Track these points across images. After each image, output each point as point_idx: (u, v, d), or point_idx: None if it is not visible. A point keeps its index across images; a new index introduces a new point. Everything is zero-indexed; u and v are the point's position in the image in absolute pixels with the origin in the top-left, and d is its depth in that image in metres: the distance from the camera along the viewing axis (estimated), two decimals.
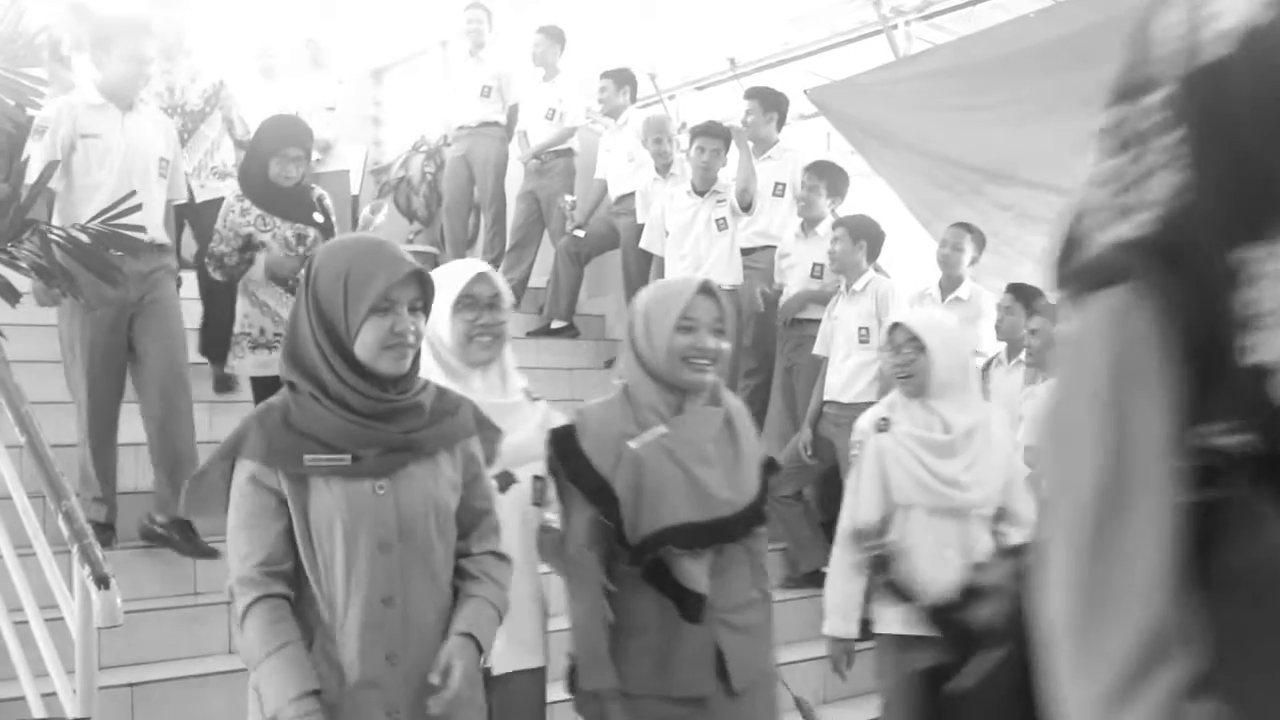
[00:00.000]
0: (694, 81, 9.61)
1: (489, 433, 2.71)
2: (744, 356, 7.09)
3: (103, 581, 3.44)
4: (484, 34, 8.89)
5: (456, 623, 2.52)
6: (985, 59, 6.70)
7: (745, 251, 7.14)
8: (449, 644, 2.48)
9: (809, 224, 6.92)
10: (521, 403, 3.17)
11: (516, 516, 3.04)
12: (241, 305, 5.35)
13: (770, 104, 7.45)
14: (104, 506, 5.02)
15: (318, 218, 5.40)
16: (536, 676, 3.17)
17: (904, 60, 7.55)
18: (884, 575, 3.55)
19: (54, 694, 3.68)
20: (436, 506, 2.53)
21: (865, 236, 6.27)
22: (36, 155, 4.67)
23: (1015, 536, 3.89)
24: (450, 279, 3.07)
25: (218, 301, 5.89)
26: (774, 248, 7.17)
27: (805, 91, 7.65)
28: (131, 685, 4.33)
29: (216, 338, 6.17)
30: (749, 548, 3.13)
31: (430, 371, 2.81)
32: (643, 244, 7.54)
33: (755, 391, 7.00)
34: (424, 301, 2.55)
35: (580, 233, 8.47)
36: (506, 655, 3.00)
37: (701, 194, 7.01)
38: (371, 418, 2.48)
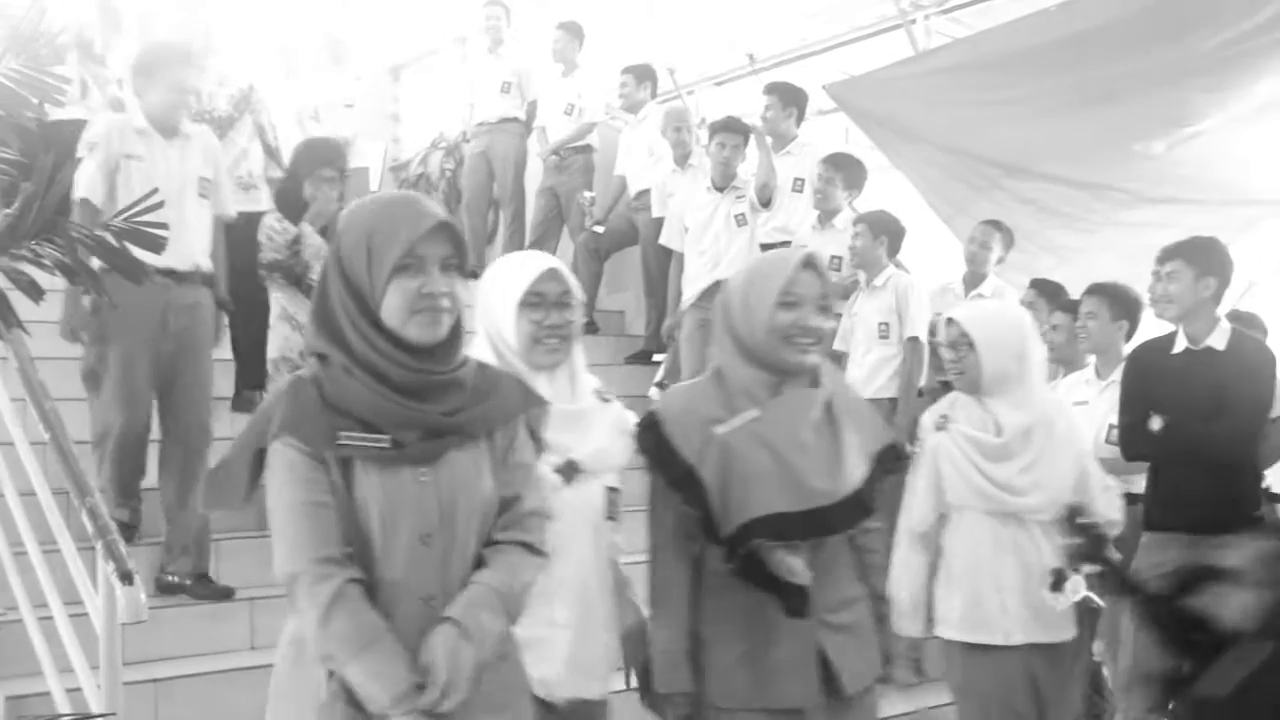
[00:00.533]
0: (713, 77, 9.59)
1: (536, 408, 2.46)
2: None
3: (127, 577, 3.46)
4: (503, 30, 8.92)
5: (446, 609, 2.24)
6: (1004, 53, 6.68)
7: (765, 247, 7.10)
8: (428, 637, 2.20)
9: (825, 216, 6.91)
10: (593, 406, 2.92)
11: (587, 527, 2.85)
12: (280, 330, 5.32)
13: (789, 99, 7.43)
14: (126, 510, 4.99)
15: None
16: (598, 709, 2.94)
17: (923, 55, 7.53)
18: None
19: (79, 689, 3.71)
20: (482, 497, 2.30)
21: (885, 232, 6.26)
22: (87, 170, 4.79)
23: None
24: (516, 274, 2.84)
25: (245, 334, 5.80)
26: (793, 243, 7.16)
27: (824, 87, 7.63)
28: (155, 680, 4.35)
29: (249, 369, 6.09)
30: (854, 542, 2.95)
31: None
32: (662, 240, 7.54)
33: None
34: (459, 260, 2.29)
35: (599, 229, 8.47)
36: (567, 681, 2.80)
37: (721, 190, 7.00)
38: (409, 395, 2.23)
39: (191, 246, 4.99)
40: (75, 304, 4.85)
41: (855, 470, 2.85)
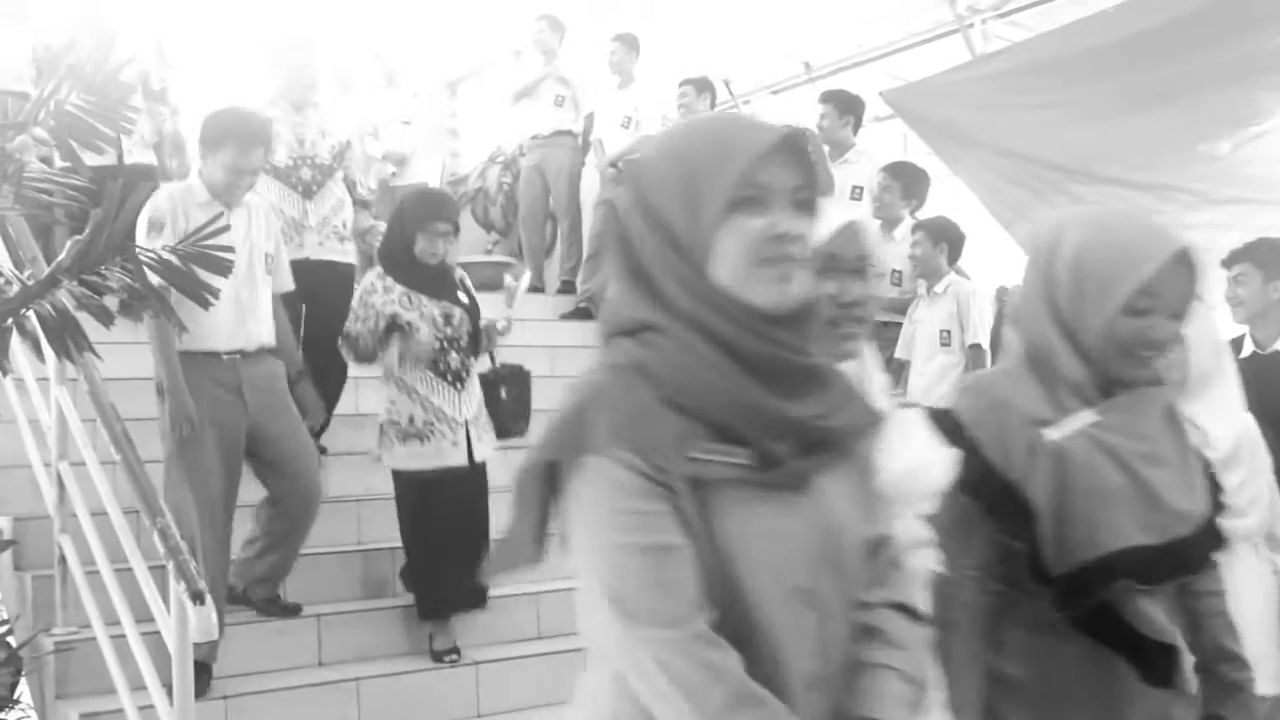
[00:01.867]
0: (769, 86, 9.60)
1: (881, 423, 1.76)
2: None
3: (198, 597, 3.50)
4: (550, 43, 8.89)
5: (854, 704, 1.59)
6: (1063, 56, 6.64)
7: None
8: None
9: (887, 226, 6.80)
10: (890, 410, 2.07)
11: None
12: (388, 392, 4.99)
13: (845, 107, 7.38)
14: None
15: (462, 297, 5.09)
16: None
17: (980, 59, 7.50)
18: None
19: (151, 706, 3.75)
20: (861, 536, 1.65)
21: (945, 239, 6.22)
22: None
23: None
24: None
25: (321, 385, 5.31)
26: None
27: (881, 93, 7.61)
28: (225, 698, 4.39)
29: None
30: (1187, 587, 2.23)
31: None
32: None
33: None
34: (811, 194, 1.60)
35: None
36: None
37: None
38: (772, 385, 1.55)
39: (260, 327, 4.74)
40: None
41: (1204, 487, 2.20)
